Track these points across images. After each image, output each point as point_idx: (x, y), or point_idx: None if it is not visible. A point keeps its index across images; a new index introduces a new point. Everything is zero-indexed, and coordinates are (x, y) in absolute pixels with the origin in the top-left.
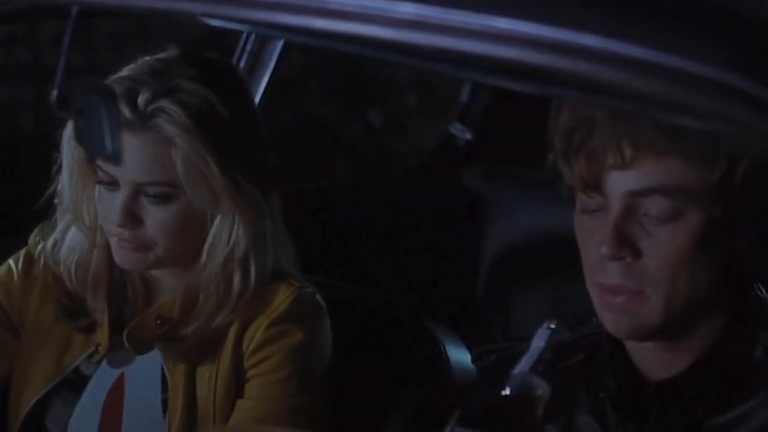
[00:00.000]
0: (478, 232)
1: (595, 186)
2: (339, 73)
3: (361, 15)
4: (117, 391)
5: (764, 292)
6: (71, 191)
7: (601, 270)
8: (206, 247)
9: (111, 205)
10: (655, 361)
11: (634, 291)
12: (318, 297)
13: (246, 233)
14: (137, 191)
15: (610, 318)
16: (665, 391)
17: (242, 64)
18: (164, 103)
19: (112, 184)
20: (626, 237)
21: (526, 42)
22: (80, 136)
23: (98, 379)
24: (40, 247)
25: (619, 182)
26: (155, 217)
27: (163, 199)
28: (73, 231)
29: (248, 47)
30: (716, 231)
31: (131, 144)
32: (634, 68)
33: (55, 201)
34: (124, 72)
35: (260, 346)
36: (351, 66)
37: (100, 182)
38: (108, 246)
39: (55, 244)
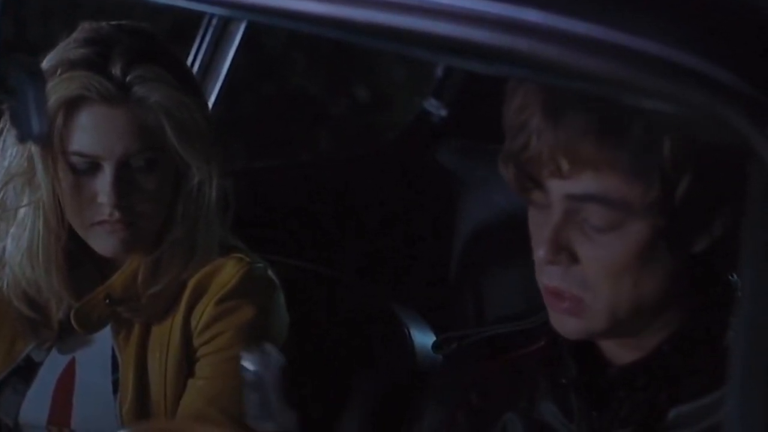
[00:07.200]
0: (451, 211)
1: (534, 189)
2: (325, 46)
3: None
4: (67, 376)
5: (735, 276)
6: (27, 180)
7: (542, 271)
8: (179, 211)
9: (95, 190)
10: (619, 345)
11: (575, 295)
12: (270, 273)
13: (216, 194)
14: (122, 165)
15: (556, 318)
16: (629, 376)
17: (207, 38)
18: (143, 69)
19: (91, 166)
20: (564, 242)
21: (466, 18)
22: (12, 118)
23: (48, 365)
24: None
25: (558, 187)
26: (145, 186)
27: (152, 165)
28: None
29: (213, 21)
30: (663, 240)
31: (113, 117)
32: (580, 46)
33: None
34: (69, 45)
35: (210, 323)
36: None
37: (75, 171)
38: (61, 235)
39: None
